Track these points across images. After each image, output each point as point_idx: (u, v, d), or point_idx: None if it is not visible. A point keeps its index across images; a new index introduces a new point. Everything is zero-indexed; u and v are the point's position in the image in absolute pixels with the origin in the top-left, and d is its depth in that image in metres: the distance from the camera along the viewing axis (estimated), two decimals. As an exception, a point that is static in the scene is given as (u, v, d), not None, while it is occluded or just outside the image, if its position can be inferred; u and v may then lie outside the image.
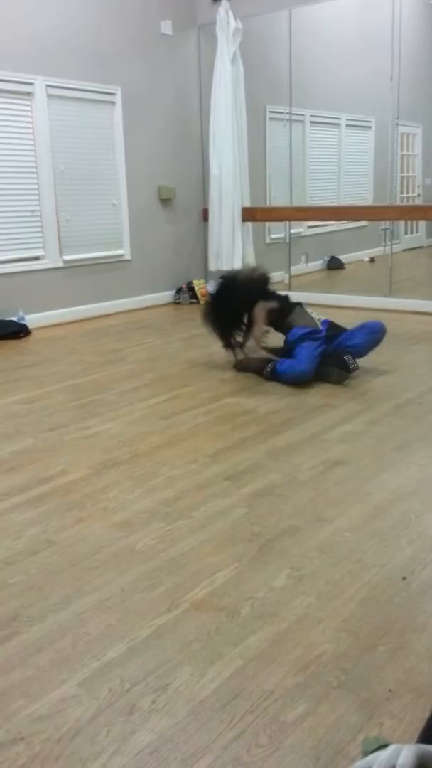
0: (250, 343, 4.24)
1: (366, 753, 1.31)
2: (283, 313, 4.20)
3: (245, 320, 4.30)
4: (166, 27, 6.38)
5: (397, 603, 1.86)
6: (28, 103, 5.47)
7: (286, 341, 4.14)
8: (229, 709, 1.49)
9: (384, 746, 0.70)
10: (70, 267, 5.91)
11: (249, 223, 6.80)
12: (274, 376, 3.94)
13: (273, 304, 4.22)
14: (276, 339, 4.38)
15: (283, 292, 4.44)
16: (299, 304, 4.28)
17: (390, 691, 1.53)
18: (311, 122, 7.71)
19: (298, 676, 1.59)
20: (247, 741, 1.40)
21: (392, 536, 2.21)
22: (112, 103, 6.03)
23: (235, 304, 4.25)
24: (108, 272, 6.20)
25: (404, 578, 1.97)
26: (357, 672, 1.59)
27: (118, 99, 6.05)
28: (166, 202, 6.63)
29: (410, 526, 2.27)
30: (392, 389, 3.78)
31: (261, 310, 4.19)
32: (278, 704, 1.50)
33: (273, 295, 4.30)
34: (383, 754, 0.68)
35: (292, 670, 1.61)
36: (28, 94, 5.45)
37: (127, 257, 6.36)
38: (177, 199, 6.73)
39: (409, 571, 2.00)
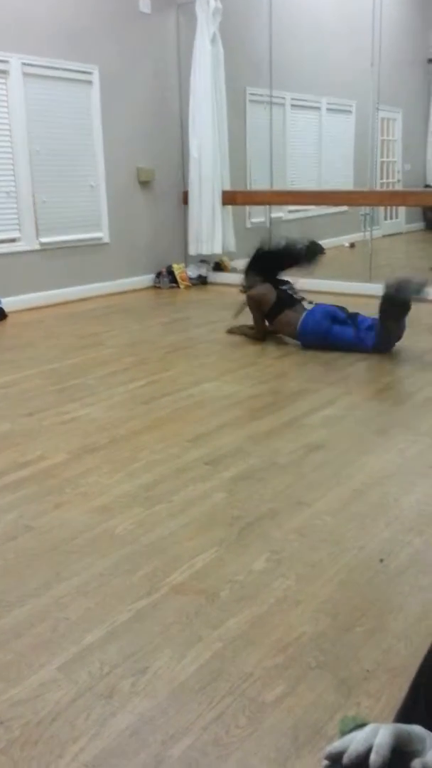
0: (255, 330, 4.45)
1: (343, 732, 1.32)
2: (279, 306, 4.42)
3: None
4: (145, 5, 6.28)
5: (375, 584, 1.87)
6: (3, 81, 5.38)
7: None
8: (209, 691, 1.50)
9: (361, 725, 0.71)
10: (48, 249, 5.84)
11: (229, 207, 6.77)
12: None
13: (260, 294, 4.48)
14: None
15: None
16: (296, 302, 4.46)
17: (367, 671, 1.55)
18: (292, 105, 7.68)
19: (277, 657, 1.60)
20: (226, 722, 1.41)
21: (370, 519, 2.23)
22: (89, 82, 5.94)
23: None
24: (86, 255, 6.14)
25: (382, 560, 1.98)
26: (335, 652, 1.61)
27: (95, 78, 5.96)
28: (145, 184, 6.56)
29: (388, 509, 2.29)
30: (372, 374, 3.80)
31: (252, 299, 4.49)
32: (257, 685, 1.51)
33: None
34: (360, 734, 0.68)
35: (271, 651, 1.62)
36: (4, 72, 5.35)
37: (106, 240, 6.30)
38: (156, 182, 6.67)
39: (386, 553, 2.02)
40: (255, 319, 4.52)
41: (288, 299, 4.43)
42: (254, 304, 4.47)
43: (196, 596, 1.83)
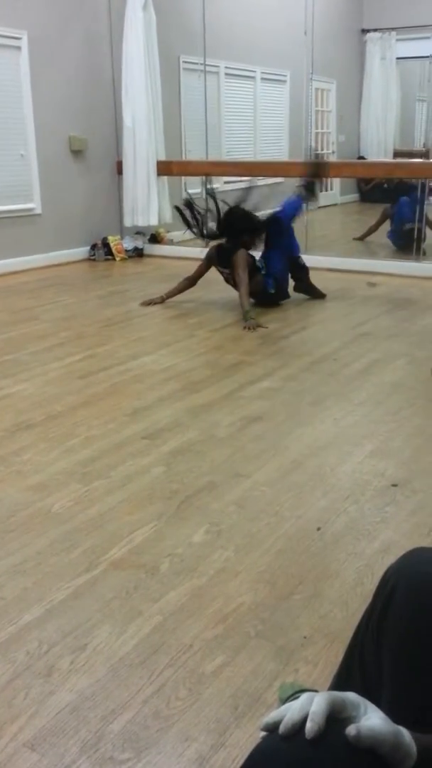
0: (244, 299, 4.35)
1: (282, 699, 1.35)
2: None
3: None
4: (74, -33, 6.06)
5: (312, 553, 1.91)
6: None
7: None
8: (149, 665, 1.50)
9: (300, 691, 0.72)
10: (-23, 221, 5.64)
11: (165, 178, 6.66)
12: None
13: (247, 254, 4.53)
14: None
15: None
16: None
17: (305, 637, 1.58)
18: (226, 74, 7.58)
19: (217, 628, 1.61)
20: (166, 694, 1.42)
21: (308, 489, 2.26)
22: (18, 47, 5.71)
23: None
24: (17, 227, 5.95)
25: (319, 528, 2.02)
26: (273, 621, 1.63)
27: (23, 44, 5.72)
28: (77, 153, 6.39)
29: (325, 479, 2.33)
30: (307, 346, 3.84)
31: (242, 257, 4.44)
32: (197, 657, 1.52)
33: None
34: (296, 703, 0.69)
35: (210, 622, 1.63)
36: None
37: (38, 211, 6.12)
38: (89, 151, 6.49)
39: (323, 522, 2.06)
40: (242, 275, 4.41)
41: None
42: (244, 262, 4.43)
43: (135, 571, 1.83)
